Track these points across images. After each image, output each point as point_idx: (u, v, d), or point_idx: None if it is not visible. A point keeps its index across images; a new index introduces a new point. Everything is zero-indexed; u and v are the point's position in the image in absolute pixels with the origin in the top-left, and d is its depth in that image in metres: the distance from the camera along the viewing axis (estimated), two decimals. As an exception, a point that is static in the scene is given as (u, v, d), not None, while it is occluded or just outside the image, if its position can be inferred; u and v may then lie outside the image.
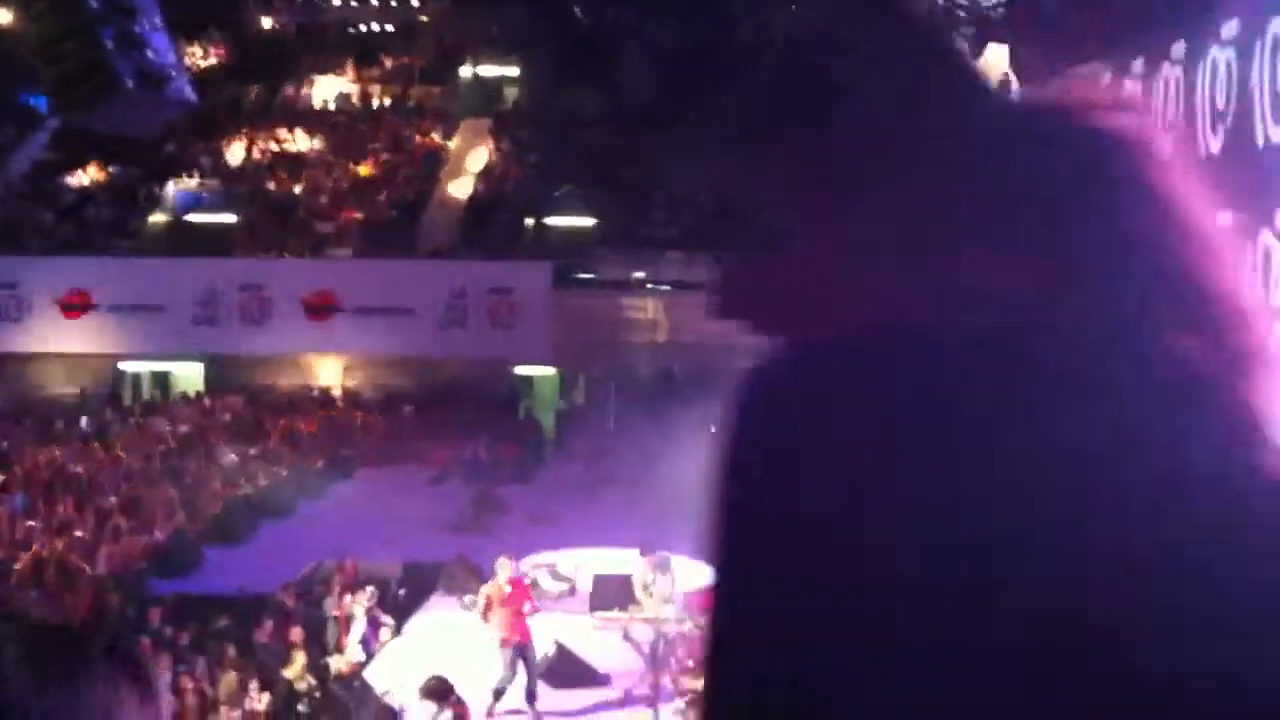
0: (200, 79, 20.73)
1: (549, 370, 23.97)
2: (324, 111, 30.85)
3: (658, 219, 24.05)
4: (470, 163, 28.25)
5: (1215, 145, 12.47)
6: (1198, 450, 0.82)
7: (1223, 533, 0.81)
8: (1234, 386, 0.85)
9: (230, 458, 19.54)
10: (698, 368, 18.90)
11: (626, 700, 10.83)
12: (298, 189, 27.85)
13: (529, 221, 25.62)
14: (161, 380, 25.04)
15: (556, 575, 14.04)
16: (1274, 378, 0.87)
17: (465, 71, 31.46)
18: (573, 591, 13.60)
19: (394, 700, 10.44)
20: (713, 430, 1.01)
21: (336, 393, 24.30)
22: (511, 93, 31.10)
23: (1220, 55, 12.06)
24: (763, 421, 0.86)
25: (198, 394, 24.07)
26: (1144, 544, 0.80)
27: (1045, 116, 0.94)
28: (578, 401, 23.92)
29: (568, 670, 11.72)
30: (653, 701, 10.26)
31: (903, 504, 0.81)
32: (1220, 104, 12.43)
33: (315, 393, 24.21)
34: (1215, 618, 0.79)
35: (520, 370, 24.07)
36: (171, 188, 27.75)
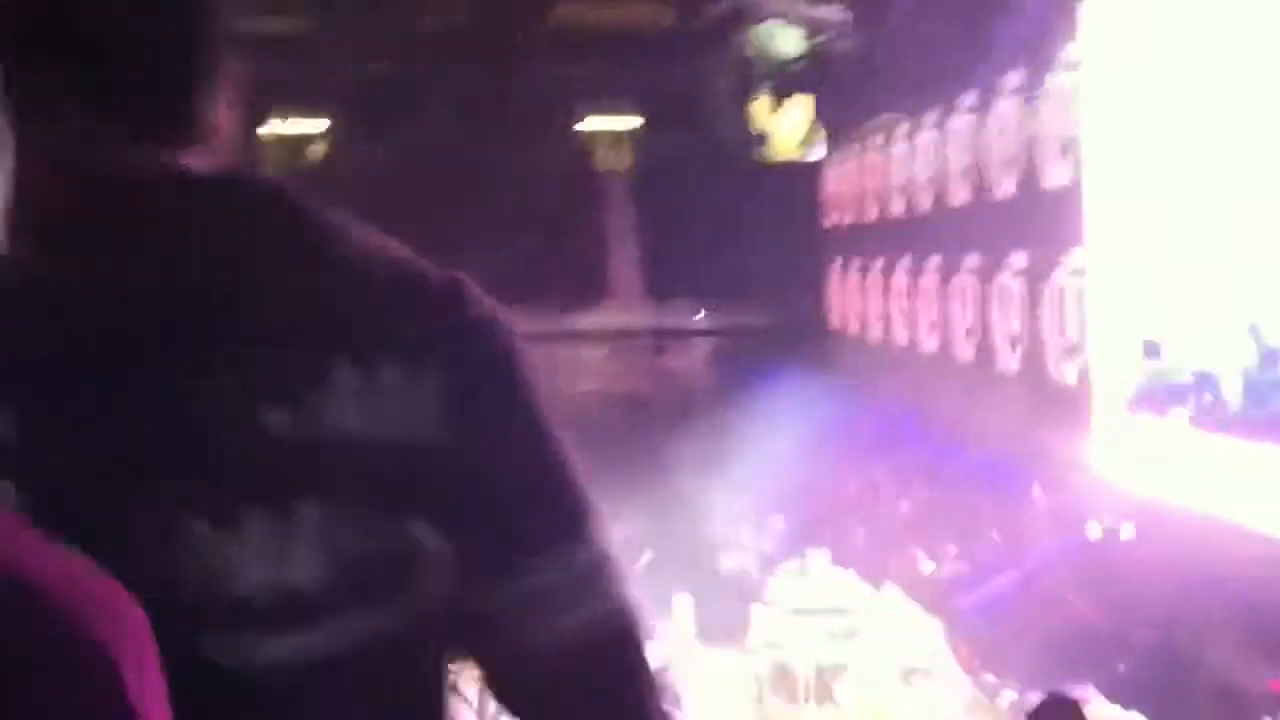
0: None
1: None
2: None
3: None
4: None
5: (1009, 188, 13.16)
6: None
7: None
8: None
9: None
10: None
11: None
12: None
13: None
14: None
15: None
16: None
17: (267, 130, 30.81)
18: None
19: None
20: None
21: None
22: (316, 150, 30.60)
23: (1008, 104, 12.73)
24: None
25: None
26: None
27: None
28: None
29: None
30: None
31: None
32: (1010, 150, 13.12)
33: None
34: None
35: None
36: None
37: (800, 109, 18.39)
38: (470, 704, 10.84)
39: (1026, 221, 13.09)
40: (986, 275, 13.90)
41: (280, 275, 1.02)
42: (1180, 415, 9.65)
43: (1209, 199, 9.32)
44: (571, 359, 20.07)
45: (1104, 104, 10.62)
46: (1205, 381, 9.42)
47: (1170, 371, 9.80)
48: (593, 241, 19.65)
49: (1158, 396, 9.98)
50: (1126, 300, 10.71)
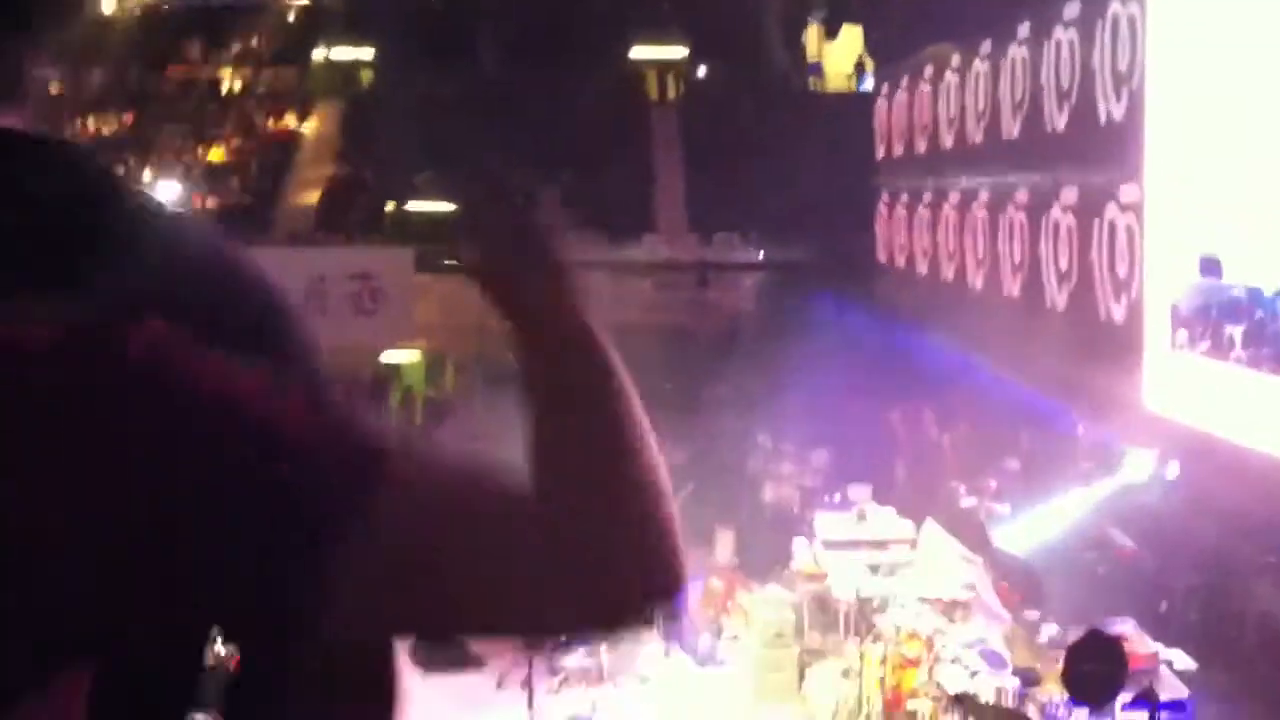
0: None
1: (415, 357, 23.76)
2: (172, 95, 29.99)
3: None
4: (326, 147, 27.76)
5: (1060, 123, 12.91)
6: None
7: None
8: None
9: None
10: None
11: (501, 683, 10.84)
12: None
13: (389, 207, 25.33)
14: None
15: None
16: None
17: (318, 54, 30.85)
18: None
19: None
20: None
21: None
22: (367, 75, 30.62)
23: (1064, 36, 12.44)
24: None
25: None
26: None
27: None
28: (446, 388, 23.77)
29: (438, 654, 11.72)
30: (528, 681, 10.29)
31: None
32: (1064, 83, 12.82)
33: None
34: None
35: (386, 358, 23.79)
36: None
37: (851, 40, 18.13)
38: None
39: (1079, 156, 12.90)
40: (1037, 210, 13.74)
41: (86, 236, 1.01)
42: (1234, 331, 9.53)
43: (1269, 132, 9.15)
44: (616, 291, 20.09)
45: (1167, 35, 10.41)
46: (1258, 298, 9.31)
47: (1225, 288, 9.68)
48: (640, 172, 19.57)
49: (1212, 312, 9.86)
50: (1181, 235, 10.56)
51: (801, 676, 10.68)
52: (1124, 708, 8.26)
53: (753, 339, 16.55)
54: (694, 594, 11.90)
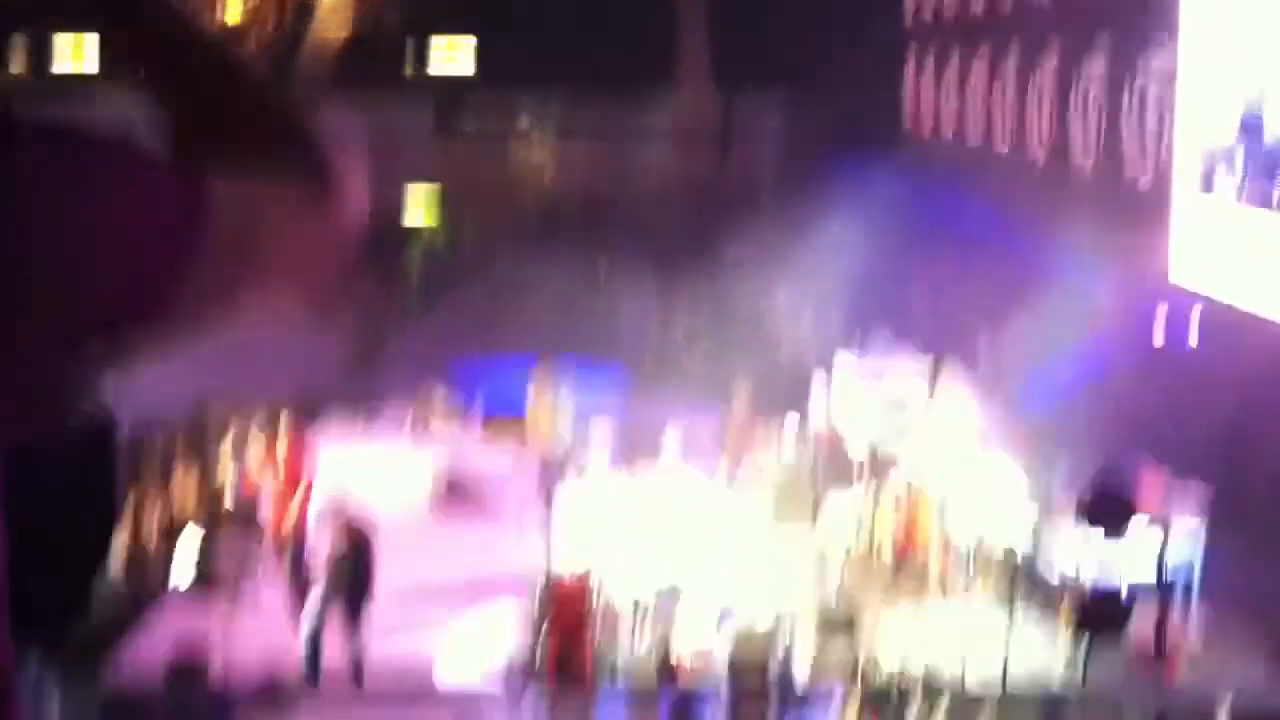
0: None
1: (433, 220, 23.79)
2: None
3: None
4: (342, 5, 27.36)
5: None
6: None
7: None
8: None
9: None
10: (585, 212, 19.01)
11: (516, 521, 10.99)
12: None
13: (408, 70, 25.09)
14: None
15: (450, 394, 14.14)
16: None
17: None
18: (464, 411, 13.74)
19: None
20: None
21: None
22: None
23: None
24: None
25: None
26: None
27: None
28: (464, 248, 23.80)
29: (460, 493, 11.98)
30: (546, 521, 10.44)
31: None
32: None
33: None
34: None
35: (408, 221, 23.85)
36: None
37: None
38: (533, 470, 11.24)
39: (1109, 20, 12.67)
40: (1066, 75, 13.53)
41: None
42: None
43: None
44: (638, 151, 19.94)
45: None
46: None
47: (1264, 148, 9.57)
48: (662, 33, 19.26)
49: (1246, 176, 9.77)
50: (1214, 101, 10.40)
51: (815, 522, 10.80)
52: (1137, 534, 8.39)
53: (775, 200, 16.45)
54: (711, 446, 12.01)
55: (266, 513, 10.78)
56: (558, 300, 15.50)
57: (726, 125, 19.81)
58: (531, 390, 12.39)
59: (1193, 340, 10.71)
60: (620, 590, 9.56)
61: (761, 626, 9.19)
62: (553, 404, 12.31)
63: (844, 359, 12.68)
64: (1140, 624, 8.90)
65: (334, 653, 9.08)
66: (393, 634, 9.26)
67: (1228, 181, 10.13)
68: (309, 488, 10.07)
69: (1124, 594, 8.71)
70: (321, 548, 9.35)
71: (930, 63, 17.73)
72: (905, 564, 10.21)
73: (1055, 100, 13.84)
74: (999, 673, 8.80)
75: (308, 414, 12.29)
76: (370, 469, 11.67)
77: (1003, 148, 15.21)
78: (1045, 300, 11.47)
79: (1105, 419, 10.36)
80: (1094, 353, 11.12)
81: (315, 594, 9.16)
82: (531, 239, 19.45)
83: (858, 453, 11.31)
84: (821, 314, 14.64)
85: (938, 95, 17.42)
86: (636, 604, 9.52)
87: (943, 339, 13.04)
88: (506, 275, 19.66)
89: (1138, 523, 8.21)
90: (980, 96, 15.91)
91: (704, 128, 19.79)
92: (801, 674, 9.02)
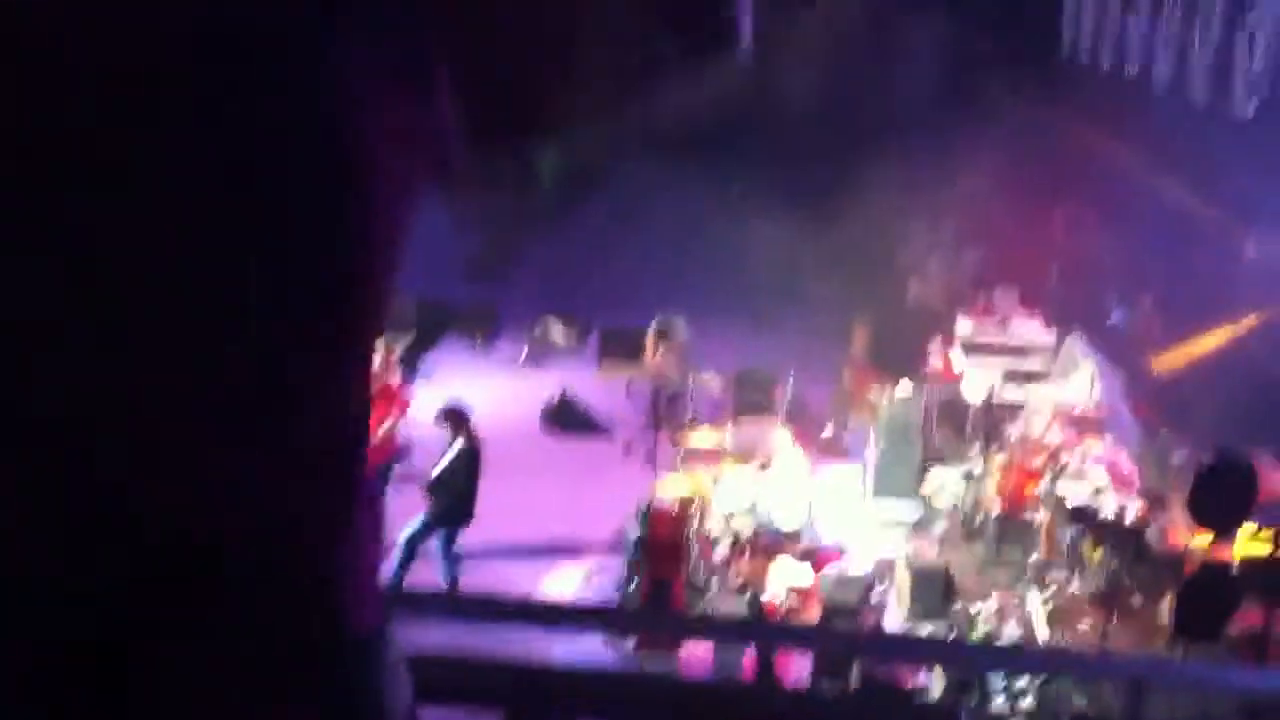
0: None
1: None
2: None
3: None
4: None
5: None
6: None
7: None
8: None
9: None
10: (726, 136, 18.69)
11: (627, 451, 11.13)
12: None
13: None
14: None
15: (568, 326, 14.24)
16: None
17: None
18: (581, 343, 13.85)
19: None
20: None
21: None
22: None
23: None
24: None
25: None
26: None
27: None
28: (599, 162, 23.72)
29: (570, 416, 12.11)
30: (652, 455, 10.54)
31: None
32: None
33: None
34: None
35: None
36: None
37: None
38: (644, 407, 11.28)
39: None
40: (1230, 9, 12.80)
41: None
42: None
43: None
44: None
45: None
46: None
47: None
48: None
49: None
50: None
51: (922, 475, 10.71)
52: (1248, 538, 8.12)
53: (913, 127, 15.97)
54: (825, 387, 11.93)
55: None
56: (684, 229, 15.36)
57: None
58: (652, 325, 12.34)
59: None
60: (719, 524, 9.63)
61: (858, 571, 9.19)
62: (670, 338, 12.28)
63: (973, 305, 12.43)
64: (1245, 612, 8.66)
65: (428, 569, 9.22)
66: (490, 555, 9.47)
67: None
68: (404, 406, 9.85)
69: (1231, 581, 8.46)
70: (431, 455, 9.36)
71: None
72: (1010, 524, 10.06)
73: (1218, 36, 13.13)
74: (1092, 644, 8.67)
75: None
76: (483, 391, 11.86)
77: (1160, 86, 14.52)
78: (1189, 264, 11.00)
79: (1231, 400, 9.96)
80: (1228, 324, 10.69)
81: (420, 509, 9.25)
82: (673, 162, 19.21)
83: (973, 405, 11.13)
84: (948, 256, 14.30)
85: (1097, 25, 16.64)
86: (736, 537, 9.58)
87: (1074, 297, 12.66)
88: (631, 204, 19.52)
89: (1250, 516, 7.89)
90: (1141, 29, 15.16)
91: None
92: (893, 623, 9.03)
